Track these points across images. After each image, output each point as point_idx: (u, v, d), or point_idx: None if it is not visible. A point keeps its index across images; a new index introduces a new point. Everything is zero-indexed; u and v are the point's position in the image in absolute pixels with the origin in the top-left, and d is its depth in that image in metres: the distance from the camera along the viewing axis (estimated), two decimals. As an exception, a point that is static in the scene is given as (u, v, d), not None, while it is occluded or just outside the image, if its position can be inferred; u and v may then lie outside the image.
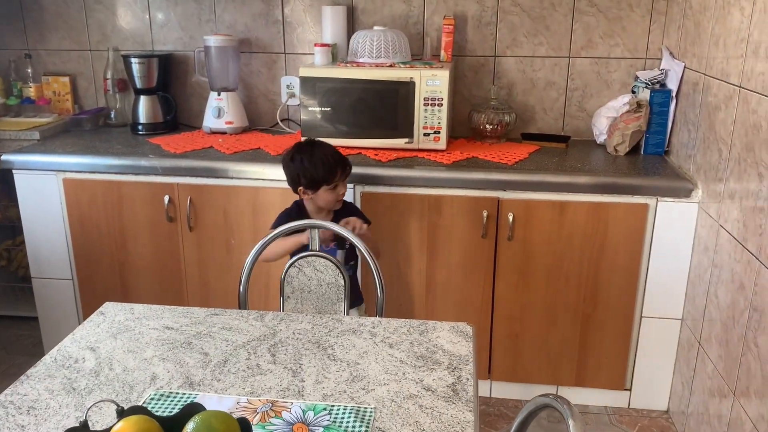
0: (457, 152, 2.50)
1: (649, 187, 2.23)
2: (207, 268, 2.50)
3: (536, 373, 2.47)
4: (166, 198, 2.43)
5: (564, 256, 2.32)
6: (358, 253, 2.07)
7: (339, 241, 1.99)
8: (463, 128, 2.74)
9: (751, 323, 1.79)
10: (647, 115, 2.44)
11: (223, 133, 2.77)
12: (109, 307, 1.51)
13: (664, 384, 2.43)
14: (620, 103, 2.54)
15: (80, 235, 2.54)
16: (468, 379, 1.23)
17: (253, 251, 1.67)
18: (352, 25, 2.75)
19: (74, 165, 2.47)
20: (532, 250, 2.33)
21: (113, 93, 2.95)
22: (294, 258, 1.67)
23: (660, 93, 2.43)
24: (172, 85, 2.93)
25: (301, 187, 2.04)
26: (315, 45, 2.55)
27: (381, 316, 1.61)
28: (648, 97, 2.44)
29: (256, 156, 2.48)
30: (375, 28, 2.58)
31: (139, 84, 2.80)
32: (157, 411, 1.12)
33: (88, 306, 2.61)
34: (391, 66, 2.49)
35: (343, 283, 1.67)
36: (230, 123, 2.77)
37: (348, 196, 2.37)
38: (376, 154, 2.44)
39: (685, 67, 2.36)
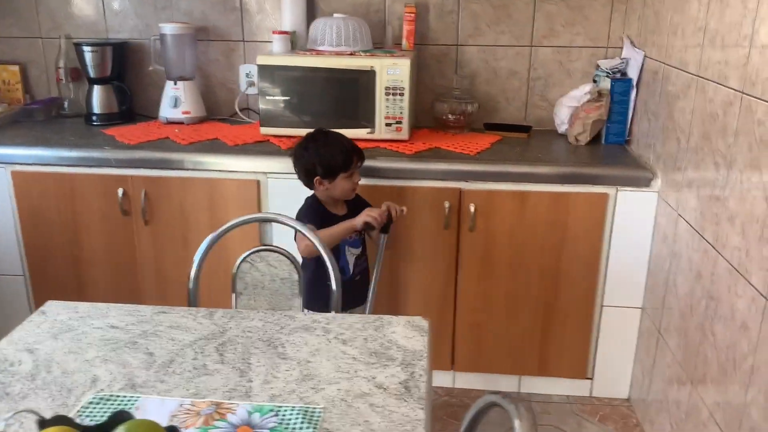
0: (419, 142, 2.47)
1: (609, 177, 2.23)
2: (164, 262, 2.43)
3: (499, 363, 2.47)
4: (120, 191, 2.36)
5: (525, 247, 2.31)
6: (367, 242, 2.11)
7: (386, 226, 2.01)
8: (427, 118, 2.71)
9: (708, 312, 1.80)
10: (608, 104, 2.44)
11: (180, 123, 2.70)
12: (52, 306, 1.45)
13: (625, 373, 2.45)
14: (581, 92, 2.53)
15: (31, 230, 2.46)
16: (421, 375, 1.20)
17: (202, 245, 1.62)
18: (312, 12, 2.69)
19: (24, 157, 2.38)
20: (494, 240, 2.31)
21: (66, 82, 2.85)
22: (246, 253, 1.63)
23: (621, 82, 2.43)
24: (127, 74, 2.84)
25: (318, 177, 1.98)
26: (273, 32, 2.49)
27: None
28: (609, 87, 2.44)
29: (213, 147, 2.42)
30: (335, 15, 2.53)
31: (92, 73, 2.71)
32: (95, 416, 1.08)
33: (41, 303, 2.50)
34: (351, 54, 2.44)
35: (297, 279, 1.63)
36: (187, 113, 2.70)
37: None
38: (337, 145, 2.40)
39: (645, 56, 2.36)
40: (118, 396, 1.13)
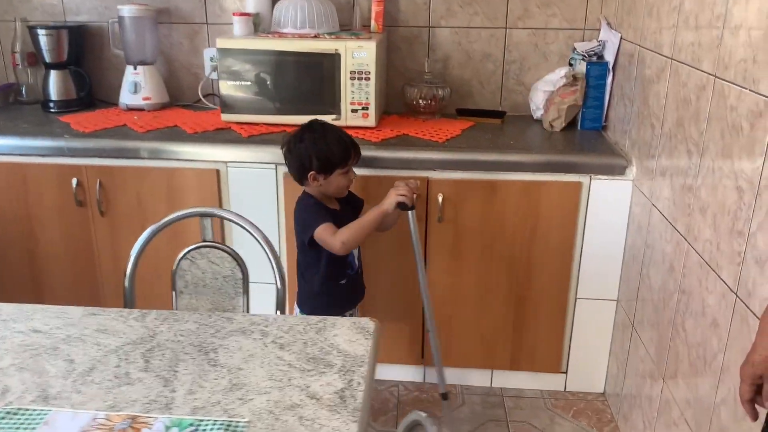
0: (387, 129, 2.37)
1: (582, 165, 2.14)
2: (121, 255, 2.33)
3: (470, 357, 2.39)
4: (74, 181, 2.26)
5: (496, 238, 2.22)
6: None
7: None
8: (397, 104, 2.61)
9: (680, 306, 1.72)
10: (584, 88, 2.34)
11: (141, 109, 2.59)
12: (-26, 309, 1.35)
13: (600, 366, 2.37)
14: (557, 76, 2.43)
15: (-17, 222, 2.36)
16: (359, 384, 1.11)
17: (140, 239, 1.53)
18: (277, -7, 2.57)
19: (-27, 146, 2.28)
20: (463, 231, 2.22)
21: (23, 67, 2.73)
22: (186, 249, 1.54)
23: (597, 66, 2.33)
24: (86, 58, 2.72)
25: (312, 172, 1.85)
26: (234, 14, 2.38)
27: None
28: (584, 70, 2.34)
29: (172, 134, 2.31)
30: (300, -4, 2.41)
31: (48, 58, 2.60)
32: (-1, 432, 0.99)
33: (-4, 298, 2.44)
34: (315, 37, 2.33)
35: (241, 276, 1.54)
36: (148, 99, 2.59)
37: (270, 178, 2.24)
38: (301, 132, 2.30)
39: (621, 38, 2.26)
40: (27, 410, 1.04)
